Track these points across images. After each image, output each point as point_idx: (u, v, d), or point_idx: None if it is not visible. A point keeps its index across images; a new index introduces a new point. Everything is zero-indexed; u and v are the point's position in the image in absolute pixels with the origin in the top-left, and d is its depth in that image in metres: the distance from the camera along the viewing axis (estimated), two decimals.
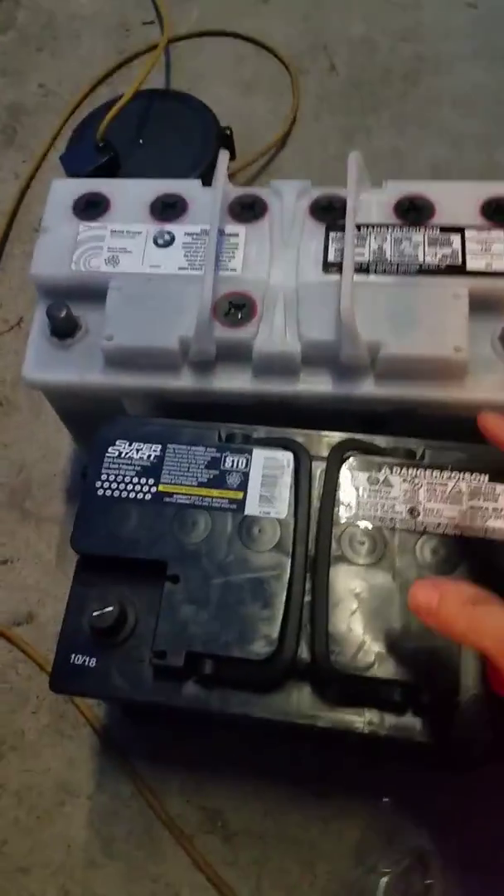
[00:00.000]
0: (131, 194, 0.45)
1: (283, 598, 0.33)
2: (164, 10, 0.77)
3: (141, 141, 0.63)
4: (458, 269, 0.41)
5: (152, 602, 0.35)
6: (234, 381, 0.41)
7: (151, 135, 0.63)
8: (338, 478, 0.36)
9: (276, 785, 0.44)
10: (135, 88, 0.61)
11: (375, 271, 0.42)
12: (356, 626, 0.33)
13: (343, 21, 0.77)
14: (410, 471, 0.36)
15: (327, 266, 0.42)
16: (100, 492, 0.37)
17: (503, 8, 0.77)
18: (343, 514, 0.35)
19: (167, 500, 0.36)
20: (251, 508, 0.36)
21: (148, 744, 0.47)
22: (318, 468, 0.37)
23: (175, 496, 0.36)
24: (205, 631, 0.33)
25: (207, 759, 0.45)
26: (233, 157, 0.65)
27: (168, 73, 0.74)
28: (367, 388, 0.41)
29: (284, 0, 0.79)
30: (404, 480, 0.36)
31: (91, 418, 0.42)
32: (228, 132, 0.64)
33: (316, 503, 0.36)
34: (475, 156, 0.68)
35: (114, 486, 0.37)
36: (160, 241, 0.43)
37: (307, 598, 0.34)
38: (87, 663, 0.34)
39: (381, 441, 0.38)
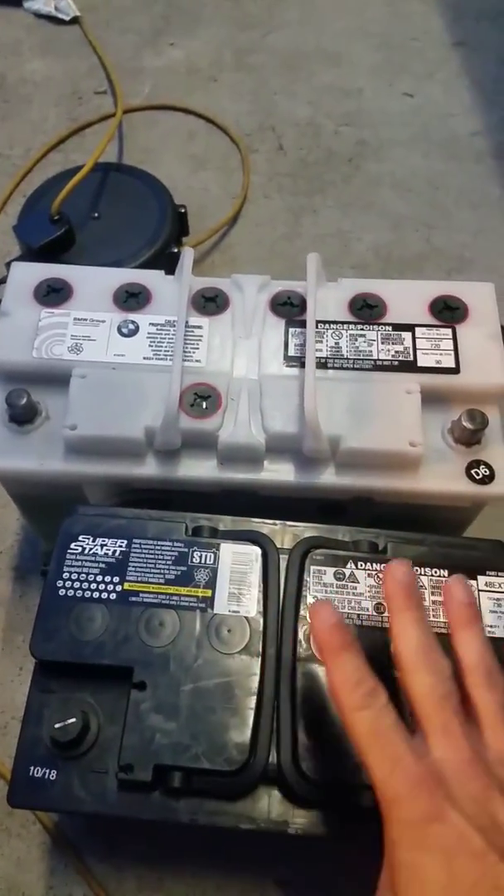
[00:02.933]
0: (94, 282, 0.45)
1: (254, 703, 0.33)
2: (116, 81, 0.78)
3: (96, 214, 0.63)
4: (410, 366, 0.43)
5: (116, 709, 0.34)
6: (198, 470, 0.41)
7: (106, 209, 0.63)
8: (303, 575, 0.36)
9: (236, 876, 0.43)
10: (92, 163, 0.61)
11: (333, 367, 0.43)
12: (326, 728, 0.33)
13: (290, 103, 0.81)
14: (375, 566, 0.37)
15: (288, 359, 0.43)
16: (61, 591, 0.36)
17: (437, 97, 0.82)
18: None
19: (133, 599, 0.36)
20: (220, 607, 0.35)
21: (102, 840, 0.45)
22: (286, 562, 0.37)
23: (141, 595, 0.36)
24: (173, 742, 0.32)
25: (164, 853, 0.44)
26: (186, 233, 0.67)
27: (121, 146, 0.75)
28: (328, 477, 0.41)
29: (233, 79, 0.82)
30: (369, 575, 0.37)
31: (49, 504, 0.41)
32: (183, 210, 0.65)
33: (288, 600, 0.36)
34: (414, 239, 0.71)
35: (76, 584, 0.36)
36: (124, 331, 0.43)
37: (278, 702, 0.33)
38: (47, 776, 0.33)
39: (343, 533, 0.39)
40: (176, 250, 0.63)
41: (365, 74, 0.84)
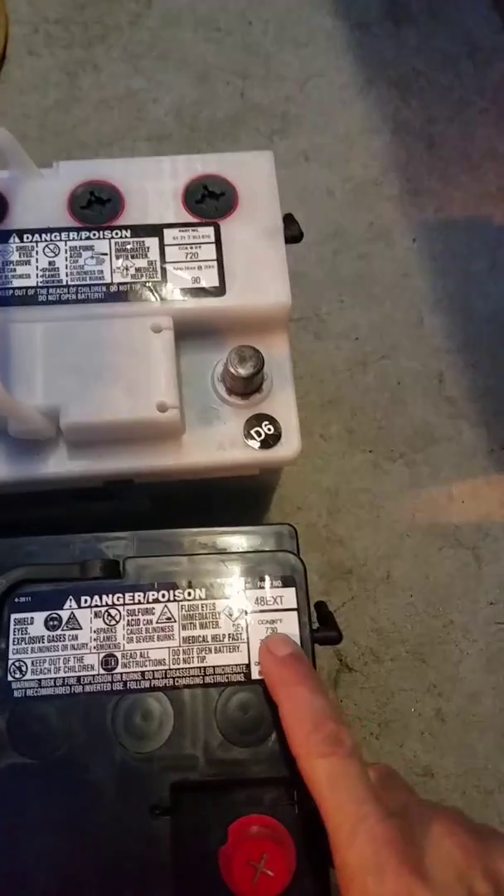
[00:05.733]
0: None
1: None
2: None
3: None
4: (158, 289, 0.29)
5: None
6: None
7: None
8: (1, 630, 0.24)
9: None
10: None
11: (47, 300, 0.28)
12: (35, 854, 0.22)
13: None
14: (105, 599, 0.25)
15: None
16: None
17: None
18: (12, 684, 0.23)
19: None
20: None
21: None
22: None
23: None
24: None
25: None
26: None
27: None
28: (57, 464, 0.28)
29: None
30: (97, 615, 0.24)
31: None
32: None
33: None
34: (225, 95, 0.53)
35: None
36: None
37: None
38: None
39: (77, 546, 0.26)
40: None
41: None
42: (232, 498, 0.34)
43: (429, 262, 0.49)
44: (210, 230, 0.29)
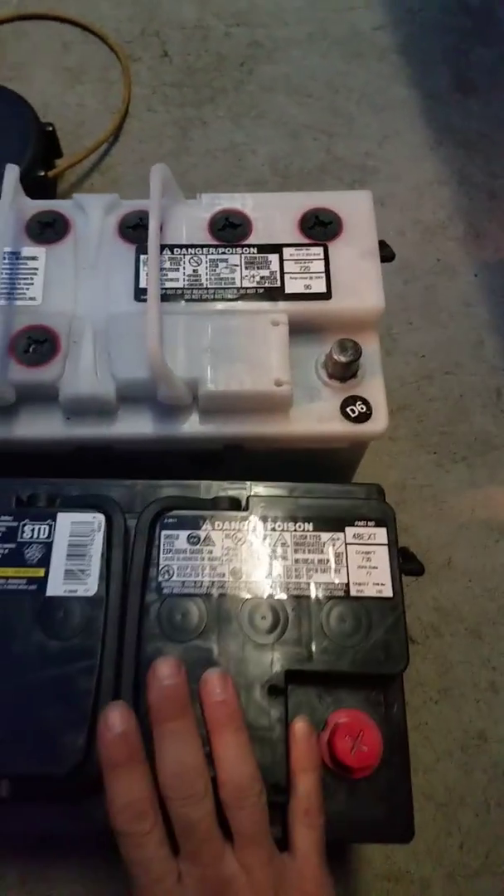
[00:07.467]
0: None
1: (92, 694, 0.28)
2: None
3: None
4: (277, 293, 0.36)
5: None
6: (39, 427, 0.35)
7: None
8: (152, 542, 0.30)
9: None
10: None
11: (191, 298, 0.36)
12: None
13: (175, 4, 0.69)
14: (233, 524, 0.31)
15: (139, 293, 0.36)
16: None
17: None
18: (162, 583, 0.30)
19: None
20: (54, 587, 0.30)
21: None
22: (135, 528, 0.31)
23: None
24: None
25: (48, 843, 0.39)
26: (58, 155, 0.57)
27: None
28: (190, 426, 0.35)
29: None
30: (227, 536, 0.31)
31: None
32: (50, 128, 0.55)
33: (135, 573, 0.30)
34: (313, 149, 0.62)
35: None
36: None
37: (118, 691, 0.28)
38: None
39: (205, 489, 0.33)
40: (44, 174, 0.53)
41: None
42: (316, 473, 0.41)
43: (489, 294, 0.55)
44: (320, 250, 0.37)
